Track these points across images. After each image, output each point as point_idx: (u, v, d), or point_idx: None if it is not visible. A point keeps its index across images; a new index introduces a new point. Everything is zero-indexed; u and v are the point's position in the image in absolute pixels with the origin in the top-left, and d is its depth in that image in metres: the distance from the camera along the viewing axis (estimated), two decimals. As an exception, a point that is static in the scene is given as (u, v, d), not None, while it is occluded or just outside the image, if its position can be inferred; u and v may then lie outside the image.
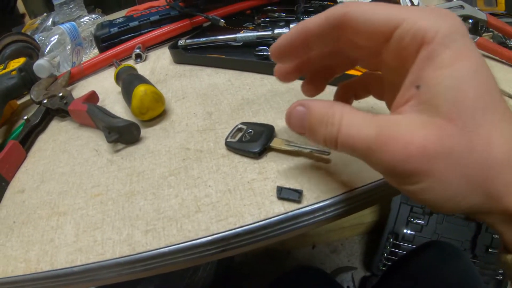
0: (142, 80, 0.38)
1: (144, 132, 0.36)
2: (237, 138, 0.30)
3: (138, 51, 0.51)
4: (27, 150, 0.39)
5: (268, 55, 0.42)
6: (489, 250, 0.94)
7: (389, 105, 0.24)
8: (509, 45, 0.46)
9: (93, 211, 0.29)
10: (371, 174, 0.25)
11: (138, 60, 0.51)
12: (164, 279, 0.71)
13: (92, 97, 0.42)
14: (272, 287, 0.54)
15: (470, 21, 0.48)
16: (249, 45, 0.46)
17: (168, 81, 0.44)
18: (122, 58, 0.52)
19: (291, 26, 0.45)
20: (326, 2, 0.64)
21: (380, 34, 0.17)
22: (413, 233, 0.99)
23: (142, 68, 0.49)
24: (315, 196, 0.25)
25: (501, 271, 0.94)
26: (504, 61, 0.41)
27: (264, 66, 0.42)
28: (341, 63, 0.25)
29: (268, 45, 0.45)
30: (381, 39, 0.18)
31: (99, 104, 0.43)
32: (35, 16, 0.79)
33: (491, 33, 0.50)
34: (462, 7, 0.46)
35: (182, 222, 0.26)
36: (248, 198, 0.26)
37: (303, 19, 0.53)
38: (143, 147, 0.34)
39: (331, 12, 0.19)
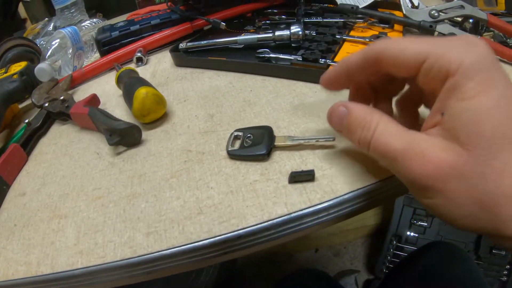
0: (144, 82, 0.38)
1: (145, 134, 0.36)
2: (237, 145, 0.30)
3: (139, 54, 0.51)
4: (28, 153, 0.39)
5: (269, 56, 0.42)
6: (493, 251, 0.93)
7: None
8: (510, 44, 0.46)
9: (94, 213, 0.29)
10: (374, 175, 0.25)
11: (140, 63, 0.51)
12: (166, 282, 0.70)
13: (93, 100, 0.42)
14: None
15: (471, 20, 0.49)
16: (250, 48, 0.46)
17: (170, 84, 0.44)
18: (123, 62, 0.53)
19: (292, 28, 0.45)
20: (326, 5, 0.65)
21: (410, 68, 0.19)
22: (416, 235, 0.99)
23: (143, 72, 0.49)
24: (319, 197, 0.25)
25: (505, 272, 0.94)
26: (505, 60, 0.41)
27: (265, 68, 0.42)
28: (388, 86, 0.26)
29: (269, 47, 0.45)
30: (412, 71, 0.19)
31: (100, 107, 0.43)
32: (37, 21, 0.79)
33: (492, 32, 0.51)
34: (462, 7, 0.47)
35: (184, 224, 0.25)
36: (251, 200, 0.26)
37: (303, 21, 0.53)
38: (145, 149, 0.34)
39: (368, 50, 0.21)
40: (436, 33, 0.49)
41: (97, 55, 0.57)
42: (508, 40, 0.47)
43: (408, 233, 1.00)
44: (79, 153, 0.37)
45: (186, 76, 0.45)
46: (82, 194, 0.31)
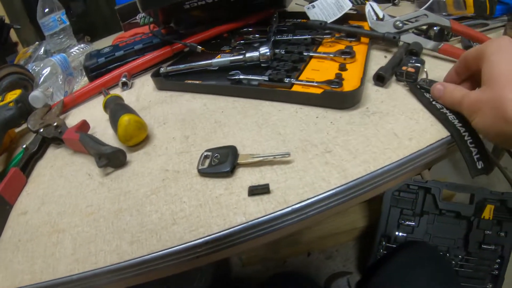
0: (126, 109, 0.43)
1: (130, 156, 0.41)
2: (206, 164, 0.35)
3: (124, 79, 0.56)
4: (28, 175, 0.44)
5: (240, 78, 0.47)
6: (482, 246, 0.95)
7: None
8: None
9: (87, 227, 0.34)
10: (322, 187, 0.30)
11: (125, 87, 0.56)
12: None
13: (84, 126, 0.47)
14: None
15: (435, 28, 0.53)
16: (224, 69, 0.51)
17: (151, 107, 0.49)
18: (110, 86, 0.58)
19: (261, 49, 0.50)
20: (299, 20, 0.70)
21: (474, 61, 0.33)
22: (405, 234, 1.00)
23: (128, 95, 0.54)
24: (273, 206, 0.30)
25: (496, 266, 0.95)
26: None
27: (235, 90, 0.47)
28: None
29: (242, 68, 0.50)
30: (477, 62, 0.32)
31: (90, 131, 0.48)
32: (28, 45, 0.84)
33: (459, 37, 0.54)
34: (426, 15, 0.51)
35: (161, 233, 0.31)
36: (216, 211, 0.31)
37: (274, 40, 0.58)
38: (129, 170, 0.39)
39: (463, 57, 0.35)
40: (401, 43, 0.53)
41: (86, 79, 0.62)
42: (474, 44, 0.50)
43: (397, 233, 1.01)
44: (73, 174, 0.42)
45: (166, 99, 0.50)
46: (77, 211, 0.36)
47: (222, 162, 0.34)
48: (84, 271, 0.30)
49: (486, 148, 0.33)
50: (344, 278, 1.08)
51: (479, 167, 0.33)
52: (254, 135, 0.38)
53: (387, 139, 0.35)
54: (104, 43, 0.78)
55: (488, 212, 0.94)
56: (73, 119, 0.54)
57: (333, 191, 0.30)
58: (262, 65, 0.51)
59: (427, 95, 0.39)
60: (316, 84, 0.43)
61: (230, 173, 0.34)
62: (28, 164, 0.45)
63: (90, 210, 0.36)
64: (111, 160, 0.39)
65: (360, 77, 0.44)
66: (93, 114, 0.53)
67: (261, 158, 0.34)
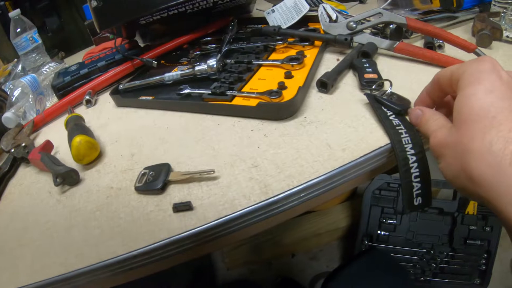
0: (80, 130, 0.47)
1: (83, 174, 0.45)
2: (143, 181, 0.39)
3: (87, 97, 0.59)
4: (0, 194, 0.49)
5: (189, 92, 0.50)
6: (467, 241, 0.95)
7: None
8: (437, 44, 0.50)
9: (44, 242, 0.38)
10: (241, 204, 0.33)
11: (89, 105, 0.60)
12: None
13: (47, 146, 0.51)
14: None
15: (391, 26, 0.52)
16: (178, 83, 0.54)
17: (109, 125, 0.53)
18: (76, 104, 0.62)
19: (208, 61, 0.53)
20: (260, 26, 0.70)
21: (448, 83, 0.29)
22: (387, 233, 1.00)
23: (91, 113, 0.58)
24: (193, 223, 0.33)
25: (483, 261, 0.96)
26: (428, 62, 0.45)
27: (180, 105, 0.50)
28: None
29: (193, 81, 0.52)
30: (451, 85, 0.29)
31: (55, 150, 0.52)
32: (8, 62, 0.89)
33: (419, 35, 0.54)
34: (381, 14, 0.51)
35: (100, 247, 0.35)
36: (145, 227, 0.35)
37: (229, 49, 0.60)
38: (82, 187, 0.43)
39: (435, 77, 0.32)
40: (356, 44, 0.54)
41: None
42: (435, 41, 0.50)
43: (379, 232, 1.01)
44: (37, 192, 0.46)
45: (122, 116, 0.54)
46: (37, 227, 0.41)
47: (155, 180, 0.38)
48: (40, 280, 0.35)
49: (430, 185, 0.32)
50: None
51: (416, 203, 0.32)
52: (189, 151, 0.42)
53: (318, 150, 0.36)
54: (77, 58, 0.81)
55: (472, 208, 0.94)
56: (43, 137, 0.58)
57: (252, 207, 0.32)
58: (211, 77, 0.53)
59: (385, 109, 0.38)
60: (256, 95, 0.45)
61: (161, 190, 0.37)
62: (0, 183, 0.50)
63: (47, 225, 0.40)
64: (66, 179, 0.44)
65: (302, 83, 0.45)
66: (59, 132, 0.57)
67: (189, 175, 0.37)
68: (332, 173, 0.33)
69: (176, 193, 0.37)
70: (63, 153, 0.52)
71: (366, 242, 1.01)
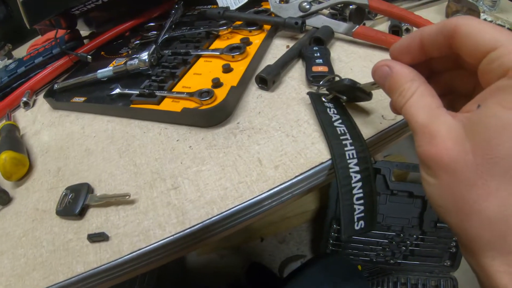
0: (8, 144, 0.45)
1: (14, 192, 0.43)
2: (63, 204, 0.37)
3: (25, 99, 0.55)
4: None
5: (119, 92, 0.45)
6: (438, 225, 0.96)
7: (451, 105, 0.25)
8: (404, 28, 0.44)
9: None
10: (156, 236, 0.31)
11: (27, 107, 0.56)
12: None
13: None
14: None
15: (351, 7, 0.46)
16: (112, 80, 0.49)
17: (41, 132, 0.50)
18: (15, 107, 0.58)
19: (141, 55, 0.47)
20: (209, 6, 0.62)
21: (479, 51, 0.19)
22: None
23: (28, 116, 0.55)
24: (108, 256, 0.31)
25: (453, 243, 0.97)
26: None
27: (108, 109, 0.46)
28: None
29: (127, 77, 0.47)
30: (478, 55, 0.19)
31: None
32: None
33: (382, 17, 0.48)
34: None
35: (25, 279, 0.34)
36: (64, 258, 0.34)
37: (169, 36, 0.53)
38: (12, 208, 0.42)
39: (446, 22, 0.21)
40: (310, 28, 0.47)
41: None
42: (402, 24, 0.44)
43: None
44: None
45: (55, 121, 0.51)
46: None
47: (74, 203, 0.36)
48: None
49: (375, 208, 0.28)
50: (298, 261, 1.10)
51: (357, 227, 0.28)
52: (112, 166, 0.39)
53: (247, 168, 0.32)
54: (24, 50, 0.75)
55: None
56: (-16, 144, 0.56)
57: (167, 240, 0.30)
58: (145, 73, 0.48)
59: (331, 112, 0.33)
60: (186, 96, 0.40)
61: (79, 215, 0.36)
62: None
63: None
64: (-4, 200, 0.42)
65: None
66: (-3, 139, 0.54)
67: (106, 200, 0.35)
68: (260, 198, 0.30)
69: (94, 219, 0.36)
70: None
71: (334, 226, 1.02)
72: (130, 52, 0.56)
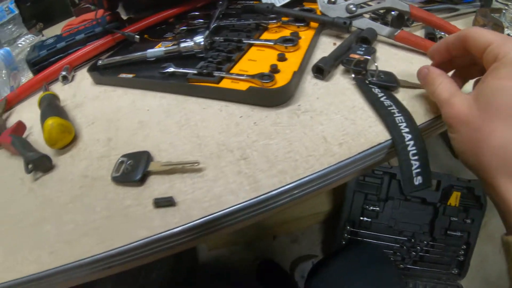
0: (53, 111, 0.43)
1: (57, 159, 0.41)
2: (120, 171, 0.35)
3: (64, 73, 0.54)
4: (-35, 180, 0.45)
5: (173, 71, 0.45)
6: (448, 232, 0.97)
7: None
8: (438, 36, 0.47)
9: (16, 235, 0.35)
10: (227, 202, 0.30)
11: (65, 81, 0.55)
12: (117, 281, 0.75)
13: (19, 127, 0.46)
14: None
15: (393, 13, 0.48)
16: (163, 60, 0.49)
17: (85, 104, 0.49)
18: (52, 80, 0.56)
19: (196, 38, 0.48)
20: (252, 2, 0.64)
21: (481, 48, 0.27)
22: (370, 219, 1.00)
23: (67, 90, 0.54)
24: (176, 221, 0.30)
25: (462, 252, 0.98)
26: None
27: (162, 85, 0.45)
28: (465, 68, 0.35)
29: (178, 59, 0.47)
30: (481, 51, 0.27)
31: (28, 131, 0.48)
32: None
33: (421, 23, 0.50)
34: None
35: (74, 244, 0.32)
36: (123, 224, 0.32)
37: (218, 25, 0.54)
38: (55, 175, 0.40)
39: (460, 32, 0.30)
40: (354, 28, 0.49)
41: (33, 72, 0.60)
42: (437, 32, 0.47)
43: (361, 218, 1.01)
44: (8, 179, 0.42)
45: (100, 95, 0.49)
46: (7, 218, 0.37)
47: (133, 170, 0.35)
48: (10, 280, 0.32)
49: (429, 164, 0.31)
50: (309, 261, 1.09)
51: (416, 183, 0.30)
52: (172, 137, 0.38)
53: (313, 144, 0.33)
54: (57, 30, 0.75)
55: (454, 199, 0.95)
56: (16, 117, 0.54)
57: (241, 205, 0.30)
58: (198, 55, 0.48)
59: (376, 91, 0.36)
60: (246, 78, 0.41)
61: (140, 182, 0.34)
62: (-33, 168, 0.46)
63: (19, 217, 0.37)
64: (37, 165, 0.40)
65: (297, 67, 0.41)
66: (33, 111, 0.52)
67: (171, 166, 0.34)
68: (328, 170, 0.31)
69: (156, 186, 0.34)
70: (37, 134, 0.47)
71: (348, 227, 1.01)
72: (176, 37, 0.56)
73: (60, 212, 0.35)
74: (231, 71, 0.44)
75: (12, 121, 0.51)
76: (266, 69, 0.42)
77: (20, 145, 0.42)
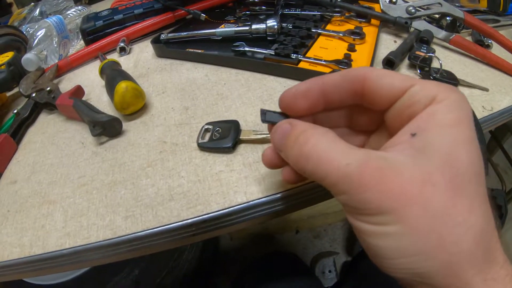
0: (124, 76, 0.40)
1: (126, 125, 0.38)
2: (206, 138, 0.33)
3: (122, 44, 0.52)
4: (18, 142, 0.42)
5: (244, 50, 0.44)
6: None
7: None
8: (486, 43, 0.48)
9: (79, 199, 0.32)
10: None
11: (123, 53, 0.53)
12: (150, 261, 0.74)
13: (78, 91, 0.44)
14: (247, 269, 0.57)
15: (448, 18, 0.50)
16: (228, 40, 0.48)
17: (150, 75, 0.46)
18: (107, 51, 0.54)
19: (268, 21, 0.47)
20: None
21: (395, 92, 0.19)
22: None
23: (125, 61, 0.51)
24: (275, 187, 0.28)
25: None
26: (478, 58, 0.43)
27: (239, 62, 0.44)
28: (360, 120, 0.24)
29: (246, 40, 0.47)
30: (392, 95, 0.19)
31: (84, 97, 0.45)
32: (23, 6, 0.79)
33: (470, 30, 0.52)
34: (440, 4, 0.48)
35: (157, 209, 0.29)
36: (215, 188, 0.29)
37: (281, 13, 0.54)
38: (125, 139, 0.37)
39: (351, 70, 0.21)
40: (412, 29, 0.50)
41: (82, 43, 0.58)
42: (485, 39, 0.48)
43: None
44: (65, 142, 0.40)
45: (165, 67, 0.47)
46: (69, 182, 0.34)
47: (223, 137, 0.32)
48: (75, 246, 0.29)
49: (487, 153, 0.31)
50: (330, 258, 1.08)
51: None
52: (257, 110, 0.36)
53: None
54: (102, 6, 0.73)
55: None
56: (67, 84, 0.51)
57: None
58: (269, 38, 0.48)
59: None
60: (323, 62, 0.41)
61: (232, 149, 0.31)
62: (19, 130, 0.43)
63: (82, 181, 0.34)
64: (106, 128, 0.37)
65: (369, 59, 0.41)
66: (88, 79, 0.50)
67: (264, 136, 0.31)
68: None
69: (249, 154, 0.31)
70: (94, 102, 0.44)
71: None
72: (237, 20, 0.55)
73: (136, 176, 0.32)
74: (307, 55, 0.43)
75: (63, 87, 0.48)
76: (339, 57, 0.42)
77: (86, 107, 0.39)
